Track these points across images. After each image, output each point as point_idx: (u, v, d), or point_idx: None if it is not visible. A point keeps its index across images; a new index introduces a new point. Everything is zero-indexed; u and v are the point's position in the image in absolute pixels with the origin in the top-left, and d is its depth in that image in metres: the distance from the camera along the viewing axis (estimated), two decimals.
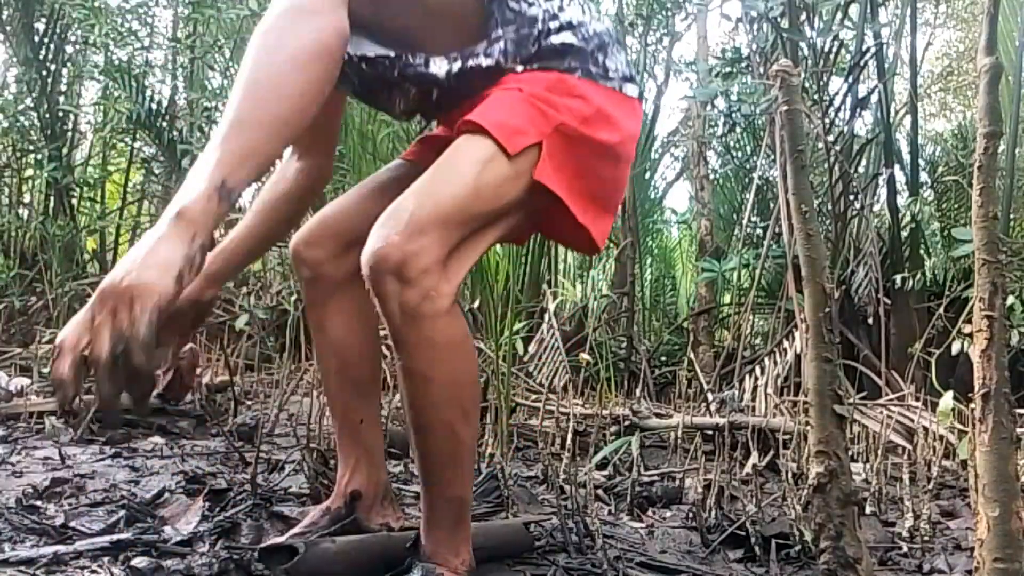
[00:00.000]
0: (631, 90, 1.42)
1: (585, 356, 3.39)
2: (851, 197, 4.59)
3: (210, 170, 1.04)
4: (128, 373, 0.96)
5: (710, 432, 2.88)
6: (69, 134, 5.39)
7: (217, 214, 1.04)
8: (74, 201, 5.37)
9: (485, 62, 1.36)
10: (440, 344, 1.20)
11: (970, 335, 1.39)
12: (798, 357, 3.79)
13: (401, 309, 1.16)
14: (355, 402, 1.59)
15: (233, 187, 1.05)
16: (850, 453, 2.17)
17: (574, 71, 1.36)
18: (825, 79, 4.44)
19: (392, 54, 1.37)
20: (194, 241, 1.02)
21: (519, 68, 1.36)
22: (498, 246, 2.63)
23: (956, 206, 5.70)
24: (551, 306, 4.21)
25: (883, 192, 4.74)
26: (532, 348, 4.10)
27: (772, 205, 5.51)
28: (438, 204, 1.19)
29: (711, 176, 6.74)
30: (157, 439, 2.49)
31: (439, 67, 1.37)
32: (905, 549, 1.86)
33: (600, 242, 1.39)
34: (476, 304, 4.39)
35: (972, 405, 1.19)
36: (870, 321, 4.34)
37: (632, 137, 1.42)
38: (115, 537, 1.48)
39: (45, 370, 3.41)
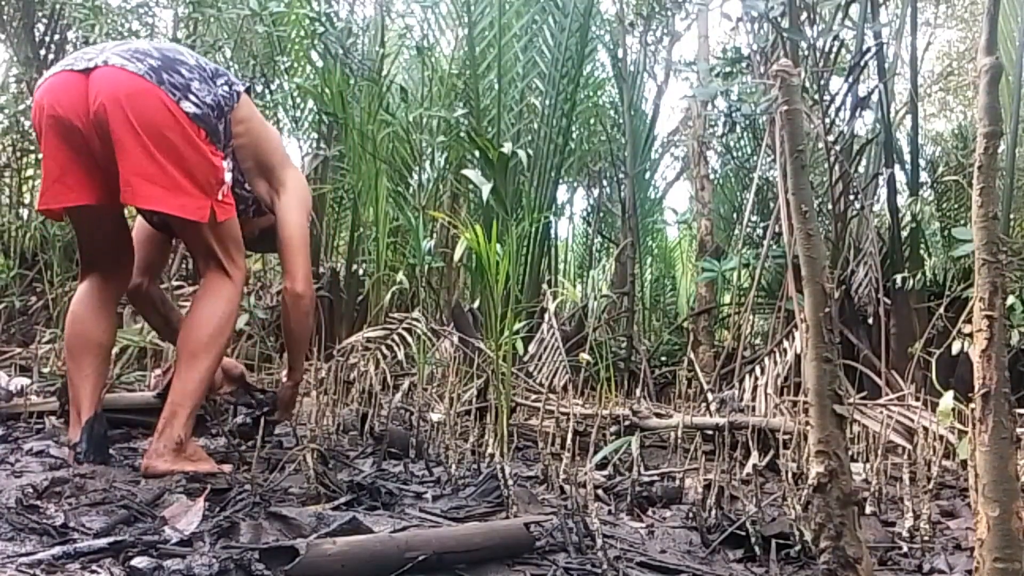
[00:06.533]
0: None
1: (585, 356, 3.39)
2: (851, 197, 4.58)
3: None
4: None
5: (710, 432, 2.87)
6: None
7: None
8: None
9: None
10: None
11: (970, 335, 1.39)
12: (798, 357, 3.79)
13: None
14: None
15: None
16: (850, 453, 2.17)
17: None
18: (825, 79, 4.44)
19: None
20: None
21: None
22: (499, 247, 2.63)
23: (956, 206, 5.70)
24: (551, 306, 4.21)
25: (883, 192, 4.73)
26: (532, 348, 4.10)
27: (772, 205, 5.51)
28: None
29: (711, 176, 6.74)
30: None
31: None
32: (905, 549, 1.86)
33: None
34: (476, 304, 4.40)
35: (972, 405, 1.19)
36: (870, 321, 4.34)
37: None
38: (115, 537, 1.48)
39: (45, 370, 3.41)
